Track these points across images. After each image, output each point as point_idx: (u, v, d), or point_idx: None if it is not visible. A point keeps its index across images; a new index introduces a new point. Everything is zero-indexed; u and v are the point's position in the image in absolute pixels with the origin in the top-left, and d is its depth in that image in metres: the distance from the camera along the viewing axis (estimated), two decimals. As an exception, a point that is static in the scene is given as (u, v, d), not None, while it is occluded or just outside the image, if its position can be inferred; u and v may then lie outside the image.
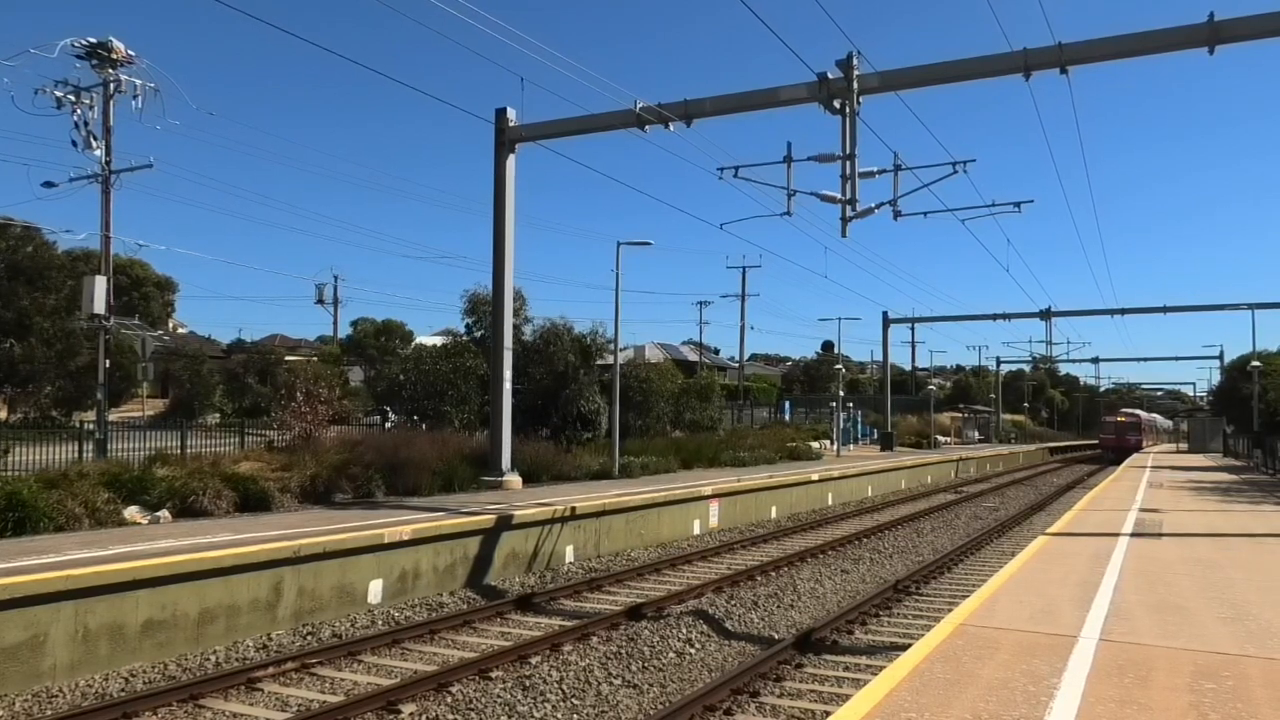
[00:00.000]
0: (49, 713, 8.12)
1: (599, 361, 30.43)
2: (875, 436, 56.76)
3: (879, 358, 64.50)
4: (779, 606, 13.19)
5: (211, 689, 8.71)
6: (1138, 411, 77.08)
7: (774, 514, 24.50)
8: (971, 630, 7.51)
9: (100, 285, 21.54)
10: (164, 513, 14.78)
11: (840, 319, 62.16)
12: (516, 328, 27.34)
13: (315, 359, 53.95)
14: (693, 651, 10.65)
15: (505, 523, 14.94)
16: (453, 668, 9.38)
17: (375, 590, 12.56)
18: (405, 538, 13.05)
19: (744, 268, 62.49)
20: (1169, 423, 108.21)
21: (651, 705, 8.75)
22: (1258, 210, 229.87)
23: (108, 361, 22.42)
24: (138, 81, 22.40)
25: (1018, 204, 22.68)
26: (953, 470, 44.95)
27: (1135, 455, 56.76)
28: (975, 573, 16.09)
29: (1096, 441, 73.57)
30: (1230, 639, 7.33)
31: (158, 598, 9.86)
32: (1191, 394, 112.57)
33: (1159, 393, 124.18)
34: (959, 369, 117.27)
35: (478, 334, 29.71)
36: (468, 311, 30.51)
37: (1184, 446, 69.63)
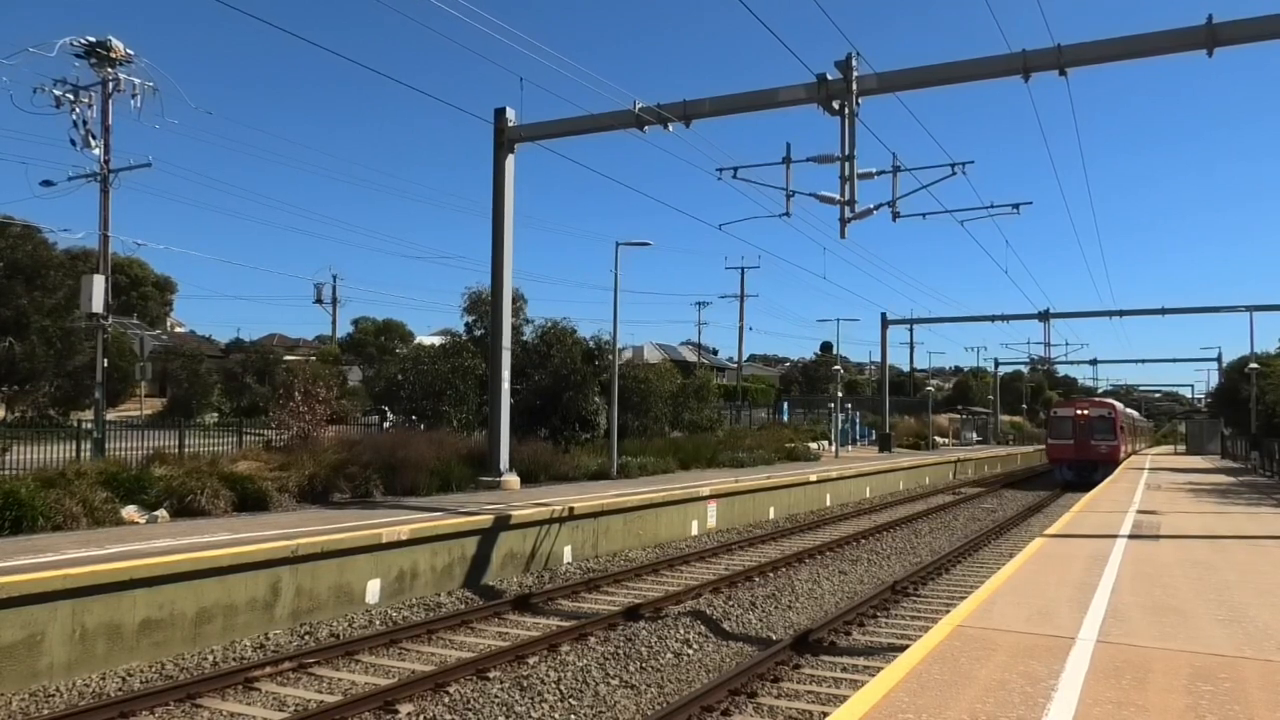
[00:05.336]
0: (46, 712, 8.11)
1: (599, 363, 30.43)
2: (873, 437, 56.78)
3: (877, 359, 64.42)
4: (776, 607, 13.19)
5: (209, 688, 8.71)
6: (1111, 401, 48.03)
7: (772, 515, 24.50)
8: (969, 631, 7.51)
9: (98, 284, 21.49)
10: (162, 512, 14.77)
11: (839, 320, 62.11)
12: (516, 329, 27.34)
13: (313, 359, 53.96)
14: (690, 652, 10.65)
15: (503, 523, 14.93)
16: (450, 668, 9.38)
17: (373, 590, 12.56)
18: (403, 538, 13.05)
19: (743, 268, 62.58)
20: (1148, 421, 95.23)
21: (649, 706, 8.75)
22: (1256, 212, 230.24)
23: (105, 361, 22.38)
24: (136, 80, 22.35)
25: (1016, 205, 22.71)
26: (951, 471, 44.95)
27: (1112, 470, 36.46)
28: (973, 574, 16.09)
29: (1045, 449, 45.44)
30: (1227, 641, 7.33)
31: (155, 597, 9.86)
32: (1189, 396, 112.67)
33: (1157, 394, 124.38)
34: (957, 370, 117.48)
35: (477, 333, 29.67)
36: (468, 310, 30.50)
37: (1181, 449, 69.42)
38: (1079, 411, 41.41)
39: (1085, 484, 33.64)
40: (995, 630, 7.57)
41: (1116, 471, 35.80)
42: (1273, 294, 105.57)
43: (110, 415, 24.47)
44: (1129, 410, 57.88)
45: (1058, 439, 41.12)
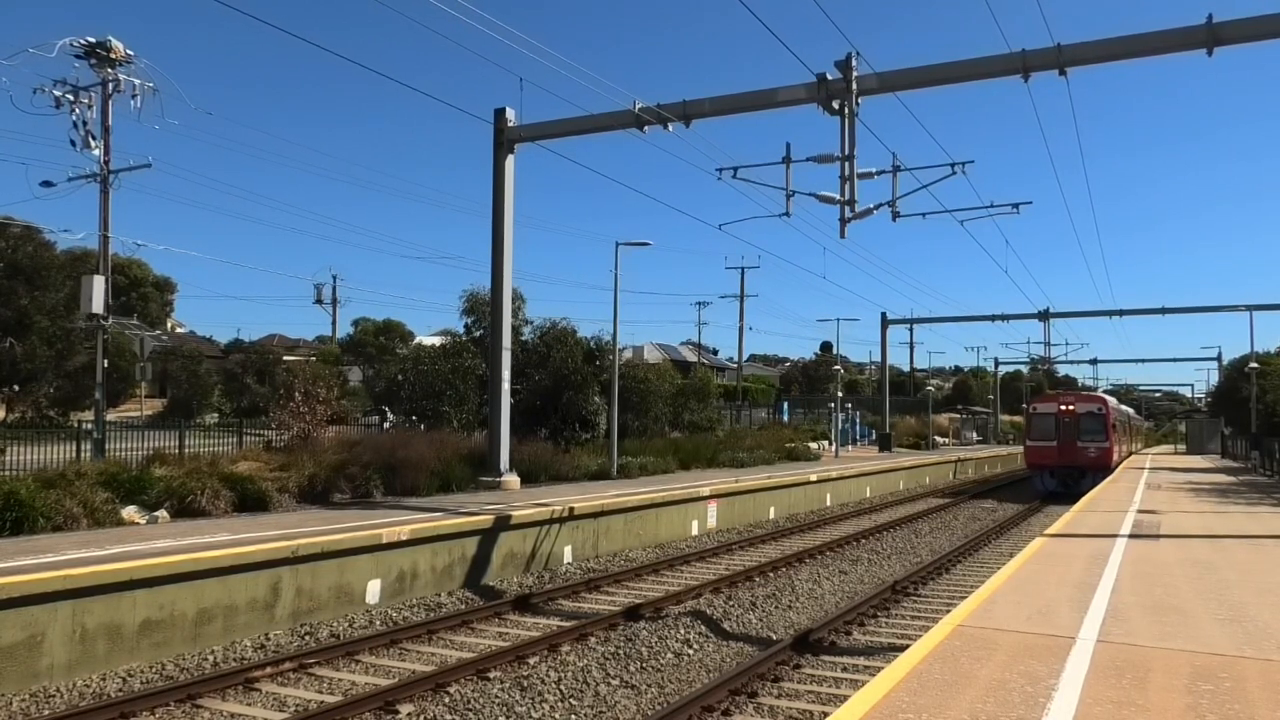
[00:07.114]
0: (46, 712, 8.11)
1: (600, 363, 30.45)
2: (873, 437, 56.78)
3: (877, 359, 64.41)
4: (777, 607, 13.18)
5: (209, 689, 8.71)
6: (1101, 395, 41.91)
7: (772, 515, 24.50)
8: (969, 631, 7.51)
9: (98, 285, 21.49)
10: (162, 513, 14.77)
11: (839, 320, 62.12)
12: (516, 328, 27.34)
13: (313, 359, 53.96)
14: (691, 652, 10.65)
15: (503, 523, 14.93)
16: (451, 668, 9.38)
17: (373, 590, 12.56)
18: (403, 538, 13.05)
19: (743, 268, 62.55)
20: (1144, 420, 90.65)
21: (649, 706, 8.74)
22: (1256, 212, 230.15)
23: (105, 361, 22.38)
24: (136, 81, 22.36)
25: (1016, 205, 22.72)
26: (951, 471, 44.94)
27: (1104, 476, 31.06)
28: (973, 574, 16.09)
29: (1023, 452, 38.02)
30: (1227, 640, 7.33)
31: (155, 598, 9.86)
32: (1190, 395, 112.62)
33: (1157, 394, 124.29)
34: (957, 370, 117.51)
35: (477, 334, 29.69)
36: (467, 311, 30.51)
37: (1181, 448, 69.29)
38: (1063, 407, 34.24)
39: (1070, 494, 28.82)
40: (996, 630, 7.57)
41: (1115, 473, 32.98)
42: (1273, 294, 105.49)
43: (110, 416, 24.47)
44: (1123, 407, 50.04)
45: (1038, 440, 34.00)
